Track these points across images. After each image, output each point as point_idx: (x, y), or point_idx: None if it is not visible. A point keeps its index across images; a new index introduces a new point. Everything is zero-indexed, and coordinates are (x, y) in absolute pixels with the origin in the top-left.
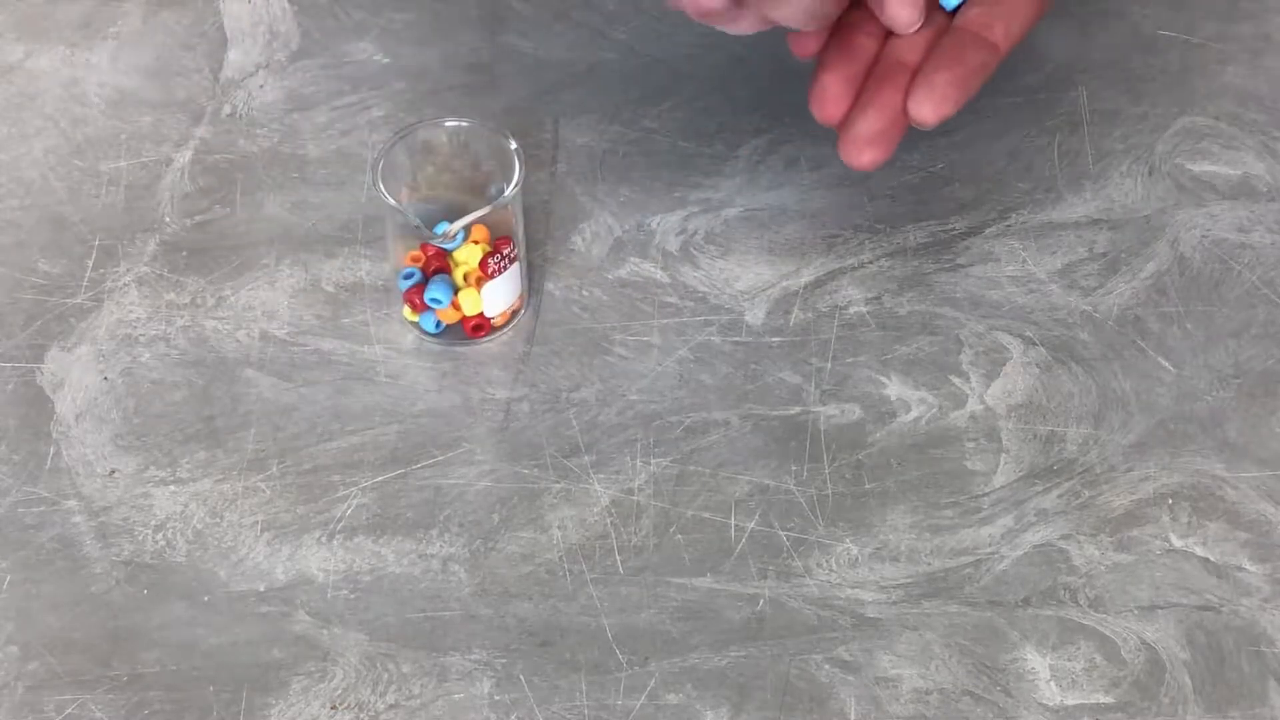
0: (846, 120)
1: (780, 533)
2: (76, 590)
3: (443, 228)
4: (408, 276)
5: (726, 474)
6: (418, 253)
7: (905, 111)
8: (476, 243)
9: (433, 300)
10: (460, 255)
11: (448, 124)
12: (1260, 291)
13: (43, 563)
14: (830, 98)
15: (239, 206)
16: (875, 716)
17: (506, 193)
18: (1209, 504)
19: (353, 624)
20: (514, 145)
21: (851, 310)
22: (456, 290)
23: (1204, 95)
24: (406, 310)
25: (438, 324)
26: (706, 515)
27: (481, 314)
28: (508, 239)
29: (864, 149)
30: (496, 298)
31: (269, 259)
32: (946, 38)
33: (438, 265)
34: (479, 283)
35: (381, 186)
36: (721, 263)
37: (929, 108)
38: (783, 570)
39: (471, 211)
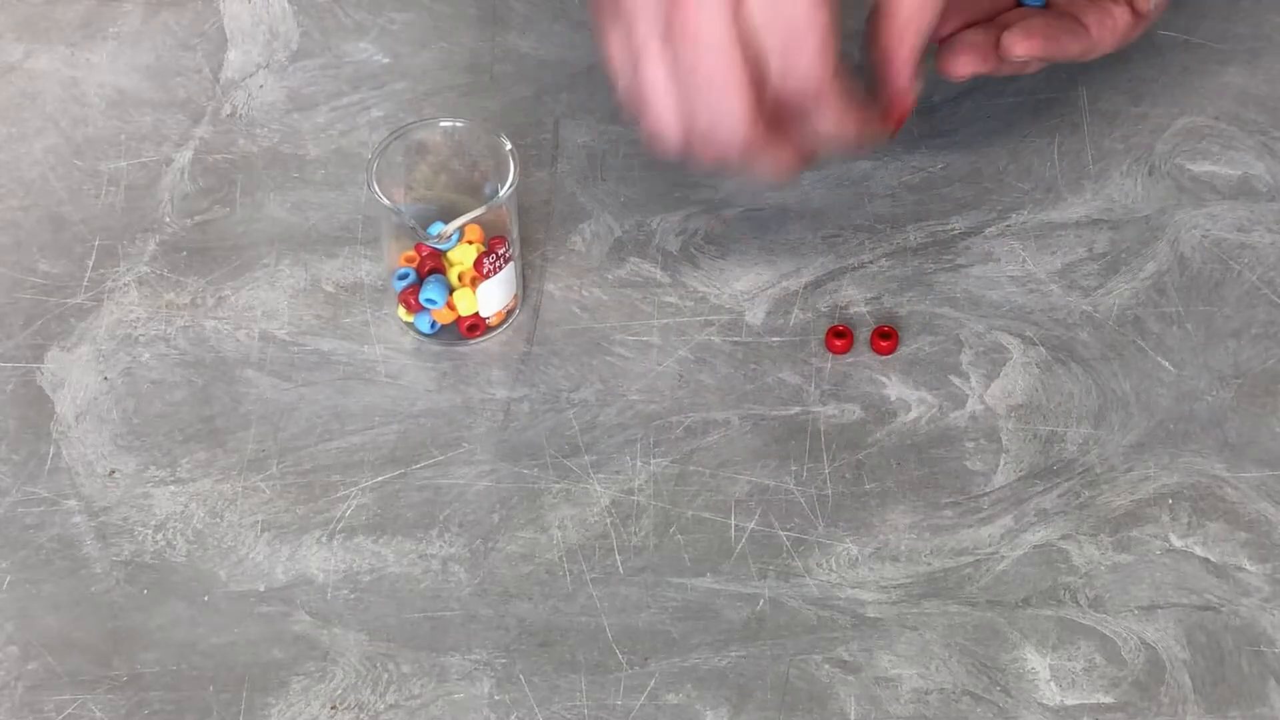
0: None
1: (780, 533)
2: (76, 590)
3: (437, 228)
4: (402, 277)
5: (726, 474)
6: (412, 253)
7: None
8: (471, 243)
9: (427, 301)
10: (455, 255)
11: (443, 124)
12: (1260, 291)
13: (43, 563)
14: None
15: (239, 206)
16: (875, 716)
17: (501, 193)
18: (1209, 504)
19: (353, 624)
20: (509, 145)
21: (851, 310)
22: (451, 290)
23: (1204, 95)
24: (401, 311)
25: (433, 324)
26: (706, 515)
27: (476, 314)
28: (502, 239)
29: (959, 55)
30: (491, 298)
31: (269, 259)
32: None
33: (432, 265)
34: (474, 283)
35: (376, 187)
36: (721, 263)
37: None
38: (783, 570)
39: (467, 211)
